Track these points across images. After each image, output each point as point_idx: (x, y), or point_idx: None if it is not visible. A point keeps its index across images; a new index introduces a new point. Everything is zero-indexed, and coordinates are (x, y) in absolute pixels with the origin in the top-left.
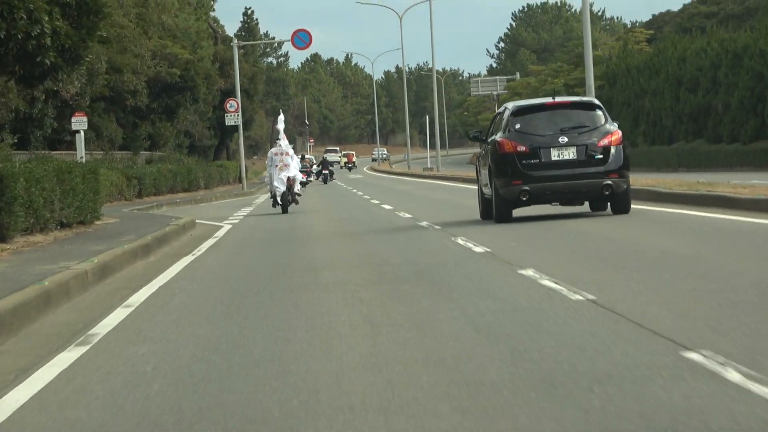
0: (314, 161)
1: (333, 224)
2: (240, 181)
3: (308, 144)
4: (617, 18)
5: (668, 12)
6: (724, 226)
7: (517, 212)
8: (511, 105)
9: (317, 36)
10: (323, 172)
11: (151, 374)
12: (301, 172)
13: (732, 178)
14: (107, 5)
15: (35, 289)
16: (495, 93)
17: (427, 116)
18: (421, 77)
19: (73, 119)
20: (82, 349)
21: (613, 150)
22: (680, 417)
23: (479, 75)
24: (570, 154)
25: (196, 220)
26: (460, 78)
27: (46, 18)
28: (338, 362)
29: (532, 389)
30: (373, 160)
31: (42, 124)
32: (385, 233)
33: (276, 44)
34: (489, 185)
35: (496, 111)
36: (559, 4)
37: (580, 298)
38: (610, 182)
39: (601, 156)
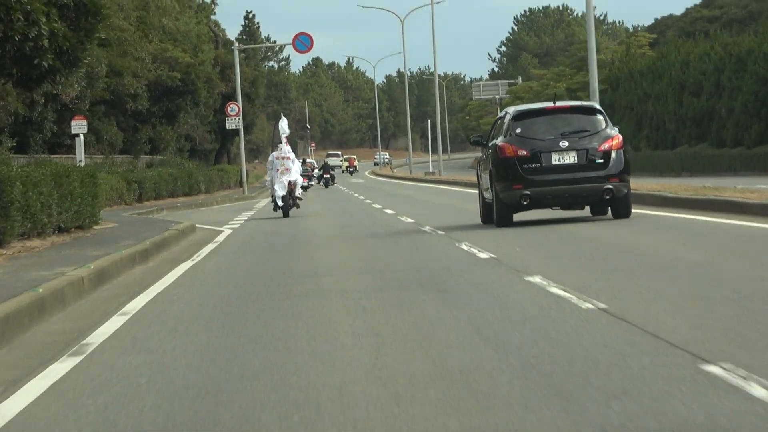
0: (316, 165)
1: (334, 229)
2: (241, 185)
3: (310, 148)
4: (619, 22)
5: (671, 16)
6: (735, 232)
7: (517, 216)
8: (512, 109)
9: (319, 40)
10: (325, 176)
11: (146, 387)
12: (302, 176)
13: (736, 182)
14: (106, 7)
15: (29, 296)
16: (497, 97)
17: (429, 120)
18: (422, 81)
19: (73, 123)
20: (75, 360)
21: (613, 154)
22: None
23: (481, 79)
24: (571, 158)
25: (196, 225)
26: (462, 82)
27: (44, 19)
28: (341, 374)
29: (546, 405)
30: (375, 164)
31: (41, 128)
32: (388, 238)
33: (277, 48)
34: (490, 189)
35: (498, 115)
36: (561, 8)
37: (591, 306)
38: (610, 186)
39: (601, 160)
